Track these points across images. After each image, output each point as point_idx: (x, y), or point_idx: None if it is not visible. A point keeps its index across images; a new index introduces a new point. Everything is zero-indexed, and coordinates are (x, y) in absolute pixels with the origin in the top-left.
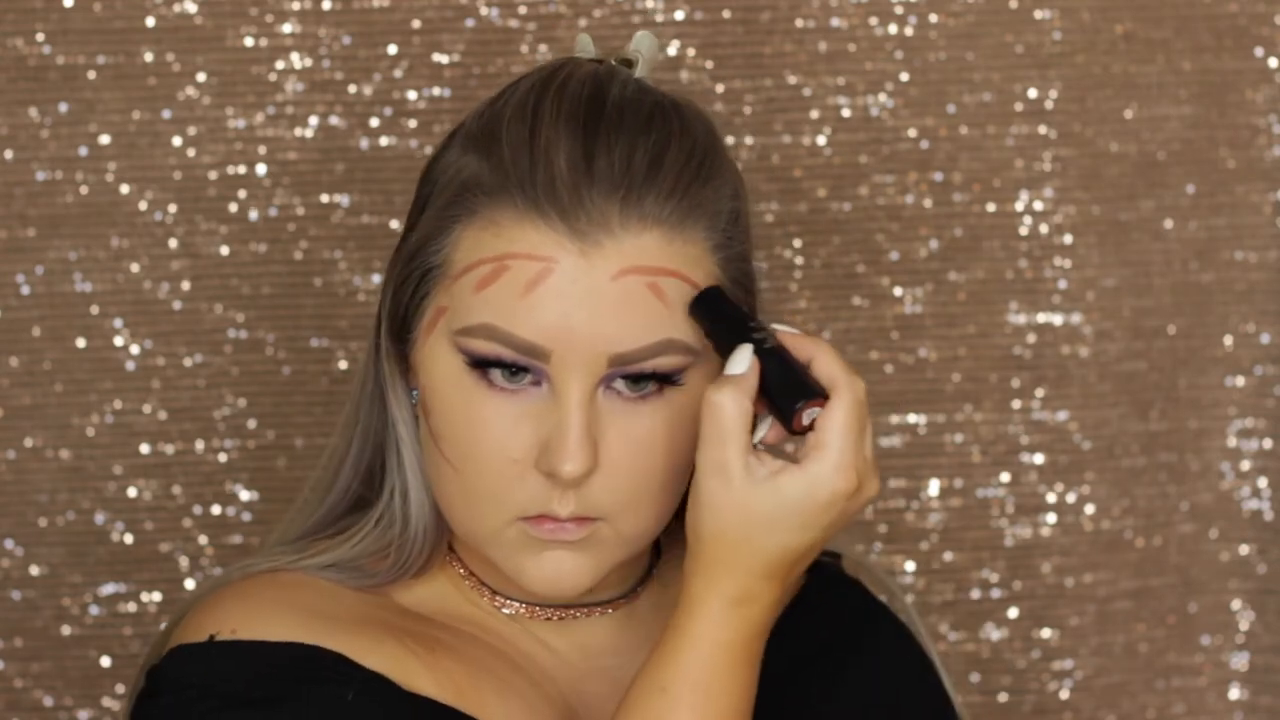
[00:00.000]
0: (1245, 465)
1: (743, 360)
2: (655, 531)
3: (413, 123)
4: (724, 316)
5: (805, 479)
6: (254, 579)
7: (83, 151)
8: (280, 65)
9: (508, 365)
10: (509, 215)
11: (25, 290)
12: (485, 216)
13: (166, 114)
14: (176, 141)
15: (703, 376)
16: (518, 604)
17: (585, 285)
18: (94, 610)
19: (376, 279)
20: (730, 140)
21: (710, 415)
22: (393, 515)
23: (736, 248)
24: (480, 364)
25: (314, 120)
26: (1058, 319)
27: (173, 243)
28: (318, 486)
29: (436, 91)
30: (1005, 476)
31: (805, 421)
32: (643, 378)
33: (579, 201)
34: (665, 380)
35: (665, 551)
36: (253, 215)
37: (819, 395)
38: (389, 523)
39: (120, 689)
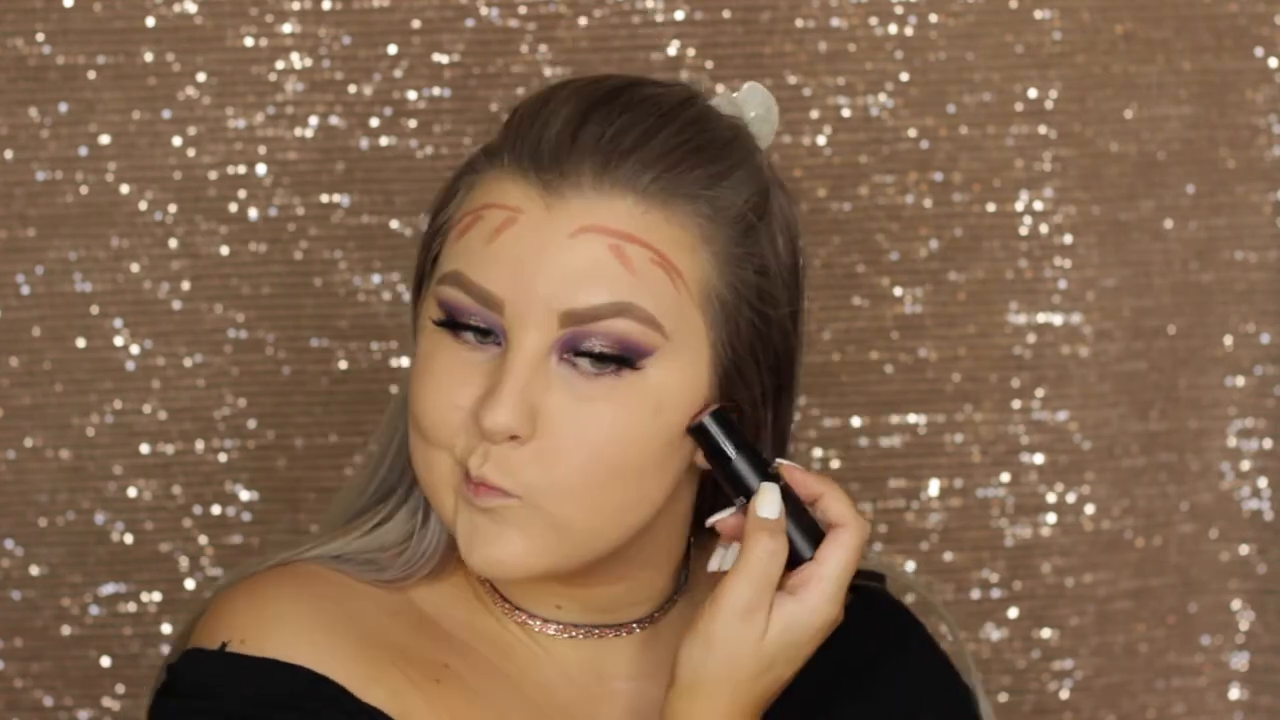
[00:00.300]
0: (1245, 465)
1: (774, 504)
2: (602, 529)
3: (413, 123)
4: (738, 444)
5: (804, 610)
6: (269, 577)
7: (83, 151)
8: (280, 65)
9: (474, 323)
10: (495, 171)
11: (25, 290)
12: (479, 175)
13: (166, 114)
14: (176, 141)
15: (668, 371)
16: (528, 615)
17: (543, 237)
18: (94, 610)
19: (377, 279)
20: (725, 203)
21: (756, 559)
22: (414, 506)
23: (747, 256)
24: (451, 324)
25: (314, 120)
26: (1058, 319)
27: (173, 243)
28: (351, 486)
29: (436, 91)
30: (1005, 476)
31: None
32: (602, 357)
33: (557, 159)
34: (624, 363)
35: (695, 568)
36: (253, 215)
37: (822, 538)
38: (410, 513)
39: (120, 689)
